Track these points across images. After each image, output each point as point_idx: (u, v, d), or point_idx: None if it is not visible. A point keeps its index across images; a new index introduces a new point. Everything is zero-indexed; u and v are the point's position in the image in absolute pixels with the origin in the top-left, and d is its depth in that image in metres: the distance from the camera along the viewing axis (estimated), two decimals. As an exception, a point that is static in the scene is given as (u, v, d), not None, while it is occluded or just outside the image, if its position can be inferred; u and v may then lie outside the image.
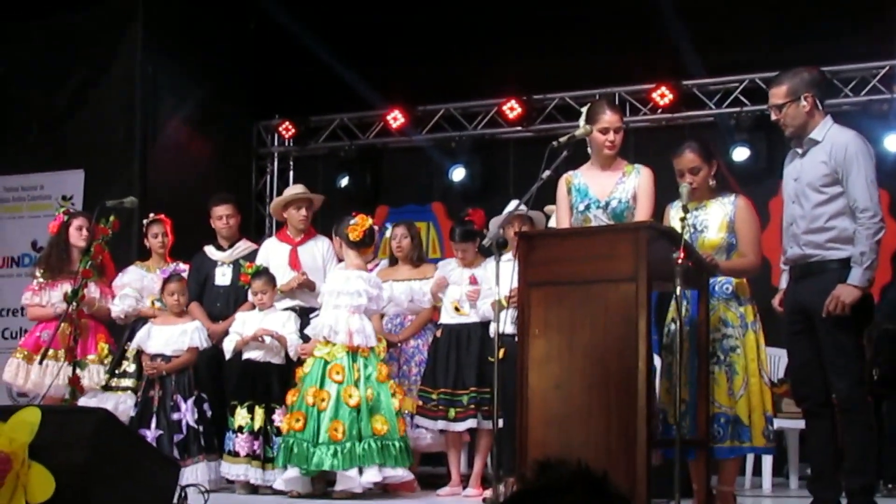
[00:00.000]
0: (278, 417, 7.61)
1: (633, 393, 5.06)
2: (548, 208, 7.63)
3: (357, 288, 7.41)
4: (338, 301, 7.42)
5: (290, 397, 7.38)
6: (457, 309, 7.86)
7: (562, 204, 6.13)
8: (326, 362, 7.31)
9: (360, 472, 7.13)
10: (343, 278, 7.49)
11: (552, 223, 7.31)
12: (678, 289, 5.12)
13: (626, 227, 5.63)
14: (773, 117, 5.72)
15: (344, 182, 11.29)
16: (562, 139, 5.71)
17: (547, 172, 5.56)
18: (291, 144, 11.89)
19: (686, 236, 5.32)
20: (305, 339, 7.77)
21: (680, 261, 5.05)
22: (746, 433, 5.70)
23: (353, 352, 7.32)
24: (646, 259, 5.11)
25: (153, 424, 7.61)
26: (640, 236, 5.18)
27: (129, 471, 5.39)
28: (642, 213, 5.88)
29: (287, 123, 11.62)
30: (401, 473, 7.27)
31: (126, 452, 5.47)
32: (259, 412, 7.67)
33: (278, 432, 7.54)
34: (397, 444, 7.22)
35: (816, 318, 5.44)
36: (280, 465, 7.31)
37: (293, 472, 7.22)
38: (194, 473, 7.55)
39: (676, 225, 5.42)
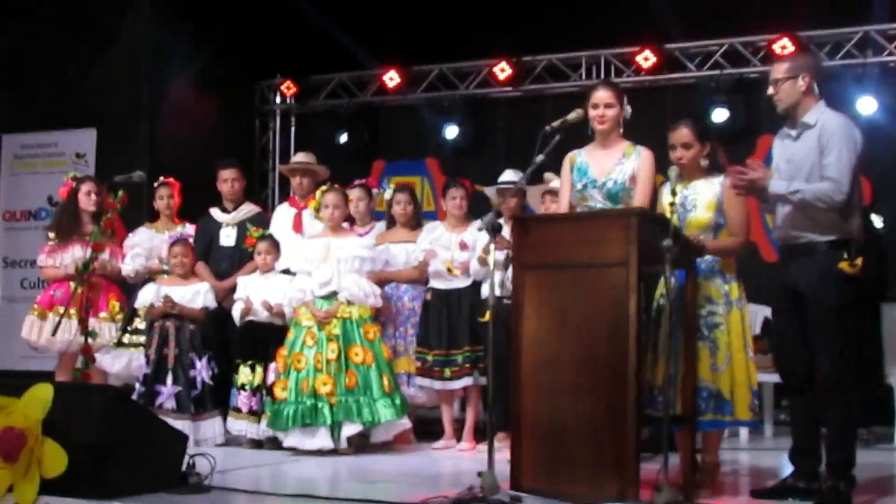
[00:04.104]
0: (272, 374, 7.39)
1: (622, 373, 4.85)
2: (547, 176, 7.42)
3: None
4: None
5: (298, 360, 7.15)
6: (450, 270, 7.61)
7: (564, 182, 5.89)
8: (358, 322, 7.20)
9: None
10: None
11: (554, 183, 7.06)
12: (668, 272, 4.90)
13: (617, 213, 5.39)
14: (770, 91, 5.46)
15: (343, 138, 11.10)
16: (555, 123, 5.43)
17: (540, 157, 5.29)
18: (293, 102, 11.68)
19: (675, 216, 5.10)
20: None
21: (671, 247, 4.82)
22: (728, 407, 5.49)
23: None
24: (636, 244, 4.88)
25: (169, 381, 7.37)
26: (631, 222, 4.94)
27: (140, 445, 5.23)
28: (640, 197, 5.65)
29: (288, 82, 11.46)
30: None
31: (136, 428, 5.32)
32: (259, 370, 7.48)
33: (268, 389, 7.37)
34: None
35: (804, 299, 5.21)
36: (324, 424, 6.98)
37: (354, 428, 7.03)
38: (212, 428, 7.41)
39: (666, 206, 5.20)
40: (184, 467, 5.40)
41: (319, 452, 6.96)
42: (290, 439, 7.06)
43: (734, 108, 9.52)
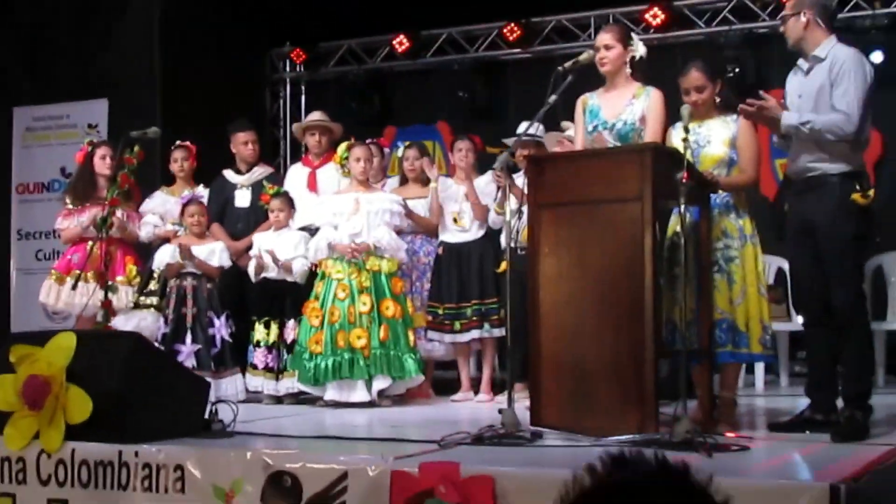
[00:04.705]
0: (290, 332, 7.50)
1: (640, 308, 4.92)
2: (564, 124, 7.46)
3: None
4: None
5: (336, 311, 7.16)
6: (455, 220, 7.71)
7: (578, 124, 5.95)
8: (387, 276, 7.27)
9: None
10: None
11: (570, 131, 7.12)
12: (682, 206, 4.94)
13: (631, 149, 5.43)
14: (781, 28, 5.57)
15: (353, 105, 11.08)
16: (567, 64, 5.51)
17: (553, 97, 5.36)
18: (302, 70, 11.67)
19: (689, 152, 5.14)
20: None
21: (684, 180, 4.87)
22: (744, 340, 5.56)
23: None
24: (651, 179, 4.94)
25: (188, 339, 7.38)
26: (645, 157, 4.99)
27: (162, 390, 5.31)
28: (650, 134, 5.66)
29: (298, 50, 11.43)
30: None
31: (159, 374, 5.39)
32: (273, 328, 7.55)
33: (288, 347, 7.48)
34: None
35: (818, 231, 5.26)
36: (362, 378, 7.06)
37: (385, 381, 7.11)
38: (233, 384, 7.42)
39: (679, 145, 5.24)
40: (206, 415, 5.46)
41: (354, 404, 7.01)
42: (330, 393, 7.11)
43: (744, 63, 9.51)
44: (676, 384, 5.01)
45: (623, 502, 1.18)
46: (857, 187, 5.20)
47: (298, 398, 7.42)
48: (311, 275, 7.55)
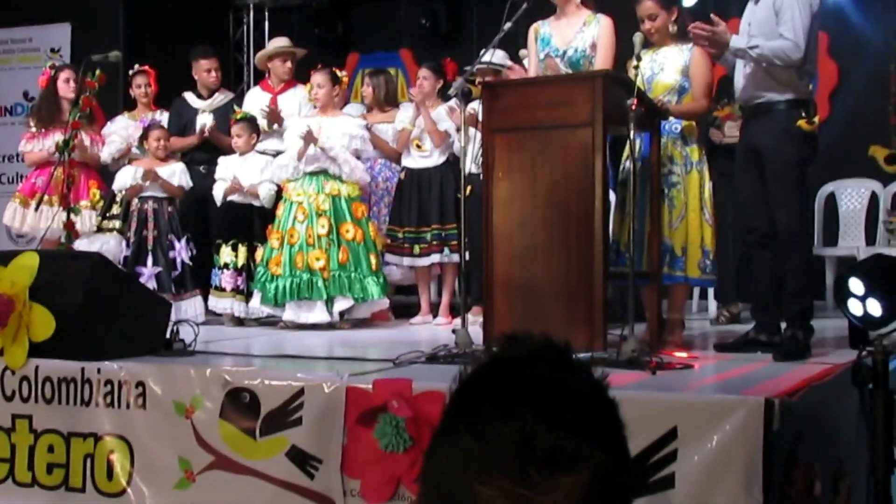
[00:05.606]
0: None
1: (590, 230, 5.05)
2: (522, 52, 7.55)
3: None
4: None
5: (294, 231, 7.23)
6: (418, 146, 7.81)
7: (531, 52, 6.04)
8: (348, 200, 7.32)
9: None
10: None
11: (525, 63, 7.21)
12: (632, 132, 5.07)
13: (582, 76, 5.55)
14: None
15: (316, 31, 11.08)
16: (522, -8, 5.57)
17: (508, 24, 5.44)
18: (266, -5, 11.64)
19: (640, 79, 5.23)
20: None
21: (634, 107, 4.98)
22: (679, 263, 5.71)
23: None
24: (601, 105, 5.04)
25: (149, 262, 7.46)
26: (596, 84, 5.10)
27: (124, 310, 5.39)
28: (600, 62, 5.77)
29: (261, -25, 11.39)
30: None
31: (121, 293, 5.48)
32: (242, 250, 7.60)
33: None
34: None
35: (764, 155, 5.39)
36: (320, 298, 7.14)
37: (346, 302, 7.19)
38: (193, 307, 7.50)
39: (631, 73, 5.35)
40: (168, 335, 5.57)
41: (315, 327, 7.12)
42: (288, 313, 7.21)
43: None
44: (624, 306, 5.16)
45: (509, 372, 1.33)
46: (803, 114, 5.33)
47: (260, 321, 7.53)
48: (278, 198, 7.63)
